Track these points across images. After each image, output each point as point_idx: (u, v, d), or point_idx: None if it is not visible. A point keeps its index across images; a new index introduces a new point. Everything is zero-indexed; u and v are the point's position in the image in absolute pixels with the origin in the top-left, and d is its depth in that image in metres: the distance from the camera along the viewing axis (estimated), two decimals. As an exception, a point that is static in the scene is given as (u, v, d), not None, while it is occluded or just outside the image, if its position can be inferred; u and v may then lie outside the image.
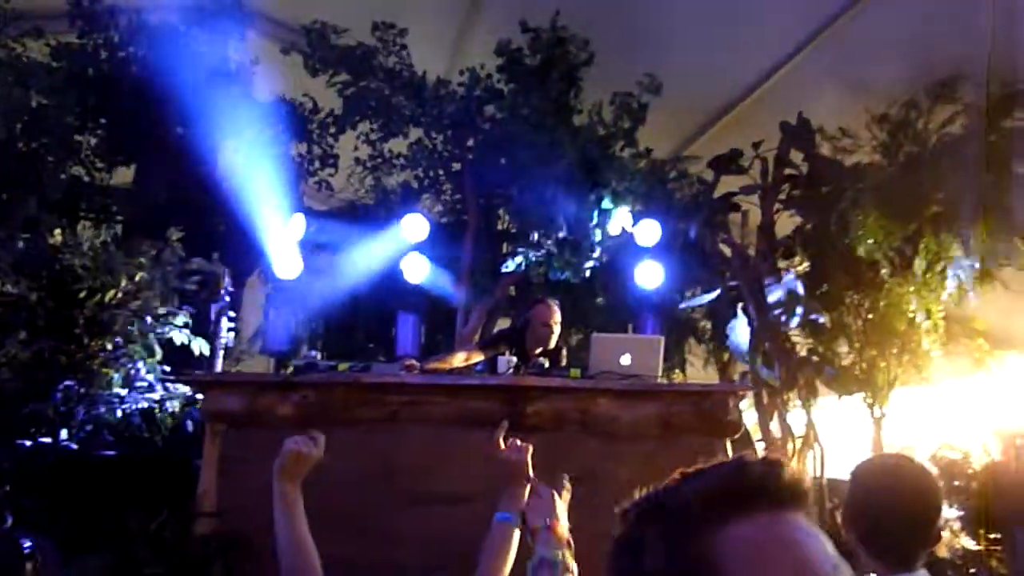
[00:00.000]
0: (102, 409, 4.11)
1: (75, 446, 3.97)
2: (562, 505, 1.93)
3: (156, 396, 4.36)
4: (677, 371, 7.40)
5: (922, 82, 6.14)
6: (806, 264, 6.59)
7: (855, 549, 1.64)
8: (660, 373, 4.36)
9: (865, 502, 1.73)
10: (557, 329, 4.95)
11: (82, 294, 4.31)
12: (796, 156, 6.66)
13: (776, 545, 0.73)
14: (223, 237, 6.67)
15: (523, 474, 1.99)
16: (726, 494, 0.75)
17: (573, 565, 1.75)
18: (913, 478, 1.73)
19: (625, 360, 4.27)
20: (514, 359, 4.63)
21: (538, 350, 4.90)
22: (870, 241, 5.98)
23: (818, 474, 6.01)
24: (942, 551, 5.34)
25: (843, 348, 6.45)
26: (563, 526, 1.85)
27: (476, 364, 4.88)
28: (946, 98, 6.13)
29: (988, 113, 5.75)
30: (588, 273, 6.74)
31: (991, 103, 5.74)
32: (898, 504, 1.67)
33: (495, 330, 6.37)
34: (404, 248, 6.77)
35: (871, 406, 6.44)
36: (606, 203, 6.46)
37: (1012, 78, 5.76)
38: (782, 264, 6.80)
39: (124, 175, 7.04)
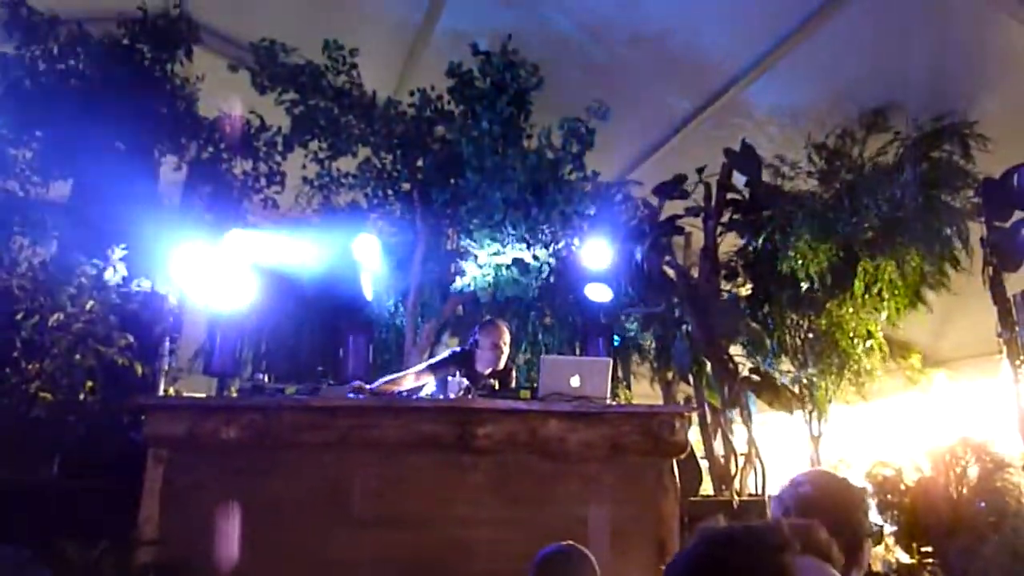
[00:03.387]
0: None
1: (8, 473, 3.82)
2: None
3: (95, 420, 4.23)
4: (624, 389, 7.51)
5: (856, 112, 6.42)
6: (748, 285, 6.79)
7: None
8: (608, 395, 4.43)
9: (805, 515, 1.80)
10: (506, 350, 5.00)
11: (19, 316, 4.17)
12: (738, 181, 6.87)
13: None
14: (165, 255, 6.52)
15: None
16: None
17: None
18: (845, 495, 1.82)
19: (575, 382, 4.33)
20: (464, 380, 4.64)
21: (488, 371, 4.93)
22: (800, 262, 6.20)
23: (760, 491, 6.17)
24: (876, 565, 5.53)
25: (784, 367, 6.65)
26: None
27: (424, 385, 4.89)
28: (879, 127, 6.41)
29: (918, 144, 6.03)
30: (536, 293, 6.80)
31: (921, 135, 6.03)
32: (833, 518, 1.74)
33: (444, 351, 6.37)
34: (352, 267, 6.73)
35: (810, 423, 6.64)
36: (554, 224, 6.54)
37: (941, 110, 6.06)
38: (725, 286, 6.98)
39: (61, 189, 6.83)
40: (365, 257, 6.64)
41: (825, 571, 1.12)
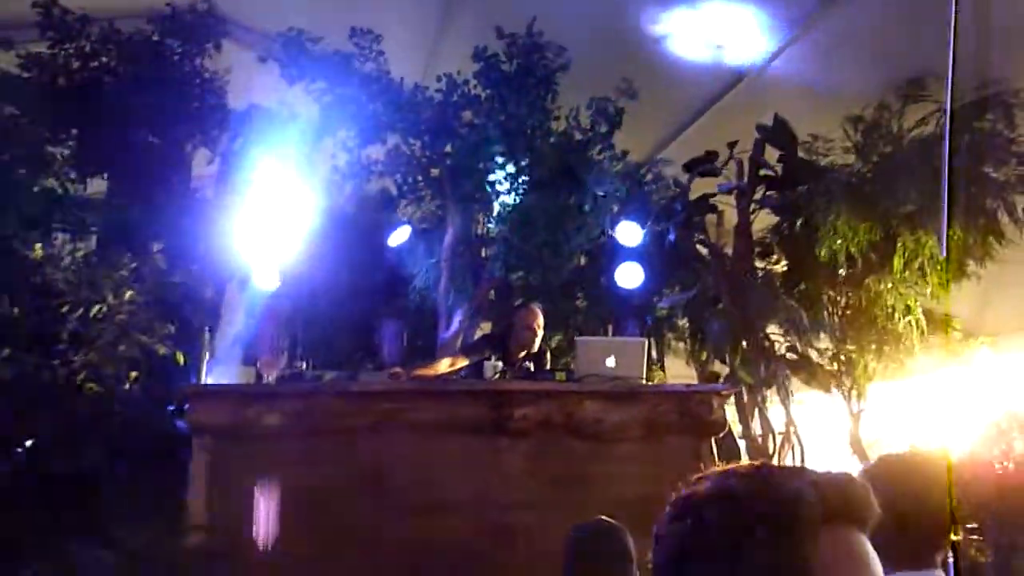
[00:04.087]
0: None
1: (61, 462, 3.92)
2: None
3: (141, 409, 4.32)
4: (659, 370, 7.47)
5: (893, 83, 6.27)
6: (784, 263, 6.70)
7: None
8: (644, 375, 4.42)
9: (886, 503, 1.75)
10: (540, 333, 5.00)
11: (64, 309, 4.27)
12: (771, 157, 6.76)
13: (857, 559, 0.82)
14: (202, 247, 6.62)
15: None
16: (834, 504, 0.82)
17: None
18: (933, 476, 1.76)
19: (610, 363, 4.33)
20: (499, 364, 4.66)
21: (522, 354, 4.94)
22: (839, 241, 6.10)
23: (799, 470, 6.10)
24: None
25: (822, 344, 6.56)
26: None
27: (461, 369, 4.91)
28: (917, 98, 6.26)
29: (958, 115, 5.87)
30: (569, 276, 6.79)
31: (963, 106, 5.88)
32: (921, 503, 1.70)
33: (478, 335, 6.40)
34: (385, 254, 6.78)
35: (849, 401, 6.56)
36: (585, 206, 6.52)
37: (982, 80, 5.89)
38: (759, 264, 6.90)
39: (98, 186, 6.95)
40: (397, 243, 6.67)
41: (853, 548, 0.82)
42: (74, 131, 6.67)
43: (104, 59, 6.91)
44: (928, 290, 6.11)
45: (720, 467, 0.89)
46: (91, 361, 4.16)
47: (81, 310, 4.23)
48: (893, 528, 1.69)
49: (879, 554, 0.83)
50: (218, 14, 7.33)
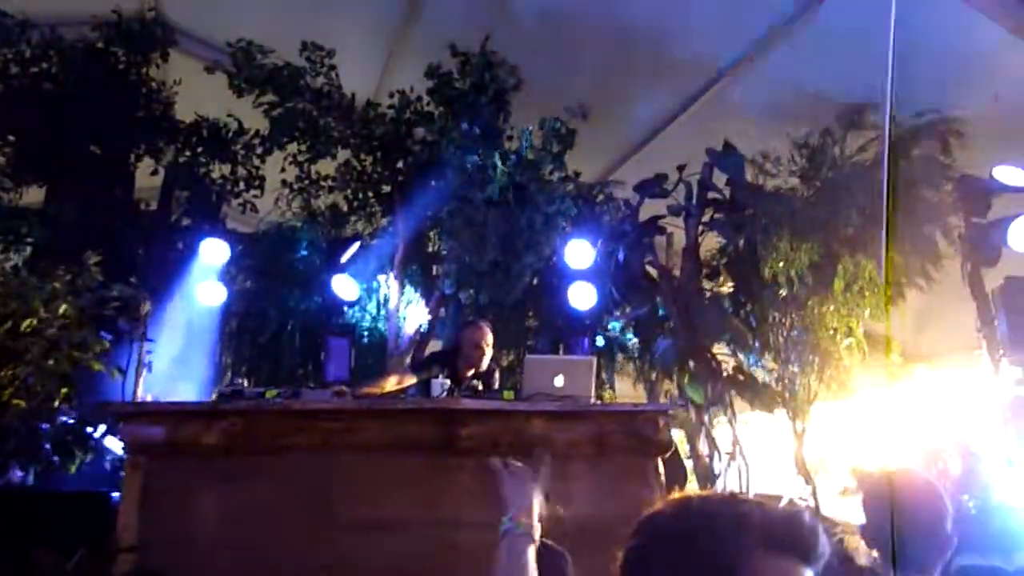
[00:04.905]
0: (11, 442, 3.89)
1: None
2: (537, 483, 1.83)
3: (71, 427, 4.15)
4: (608, 389, 7.49)
5: (835, 111, 6.45)
6: (730, 284, 6.80)
7: (875, 564, 1.70)
8: (593, 394, 4.41)
9: (883, 517, 1.79)
10: (489, 351, 4.96)
11: (-8, 321, 4.09)
12: (719, 180, 6.88)
13: None
14: (142, 261, 6.44)
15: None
16: (777, 532, 0.82)
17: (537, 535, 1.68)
18: (924, 490, 1.81)
19: (559, 381, 4.30)
20: (447, 382, 4.60)
21: (470, 372, 4.89)
22: (781, 263, 6.22)
23: (744, 489, 6.16)
24: (861, 559, 5.52)
25: (768, 364, 6.66)
26: (536, 504, 1.76)
27: (408, 388, 4.84)
28: (857, 126, 6.45)
29: (895, 143, 6.07)
30: (519, 295, 6.78)
31: (899, 133, 6.07)
32: (916, 516, 1.75)
33: (426, 353, 6.33)
34: (333, 271, 6.68)
35: (793, 420, 6.65)
36: (536, 225, 6.53)
37: (920, 108, 6.10)
38: (707, 285, 6.99)
39: (35, 195, 6.73)
40: (346, 259, 6.59)
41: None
42: (11, 137, 6.47)
43: (45, 65, 6.72)
44: (867, 312, 6.25)
45: (671, 495, 0.92)
46: (19, 376, 3.98)
47: (9, 323, 4.06)
48: (888, 541, 1.73)
49: (882, 565, 0.85)
50: (166, 23, 7.20)
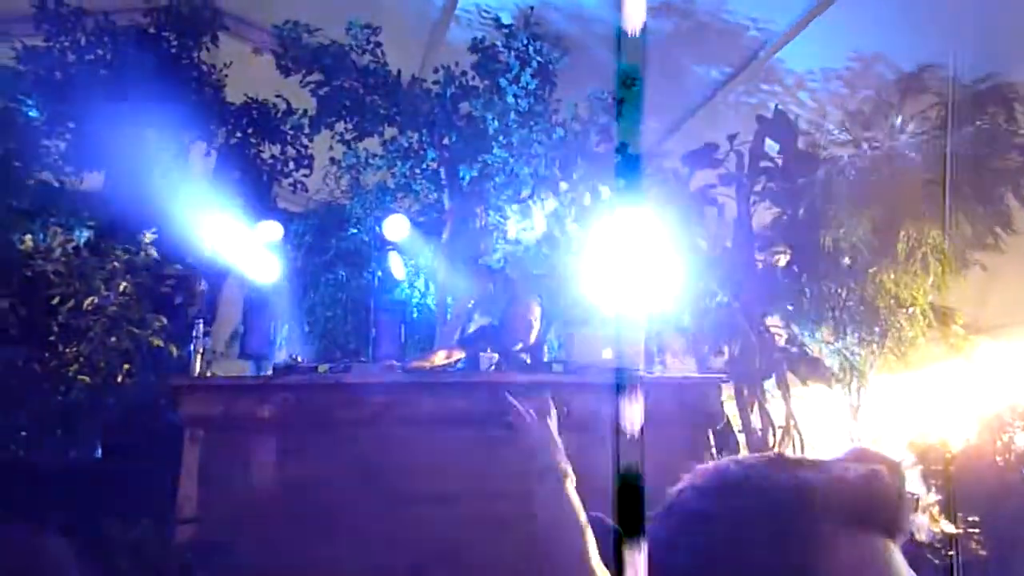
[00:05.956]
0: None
1: (51, 455, 3.90)
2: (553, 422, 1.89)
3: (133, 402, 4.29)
4: (658, 364, 7.42)
5: (892, 76, 6.22)
6: (786, 255, 6.65)
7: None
8: (642, 366, 4.37)
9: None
10: (537, 324, 4.96)
11: (55, 300, 4.23)
12: (771, 149, 6.71)
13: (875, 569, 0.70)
14: (197, 239, 6.59)
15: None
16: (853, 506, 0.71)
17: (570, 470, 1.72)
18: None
19: (607, 354, 4.28)
20: (495, 356, 4.62)
21: (518, 346, 4.90)
22: (841, 231, 6.06)
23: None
24: (921, 535, 5.41)
25: (824, 337, 6.51)
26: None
27: (457, 362, 4.87)
28: (917, 90, 6.22)
29: (960, 107, 5.84)
30: (567, 269, 6.74)
31: (964, 97, 5.83)
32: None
33: (475, 327, 6.35)
34: (383, 248, 6.74)
35: (850, 395, 6.51)
36: (584, 198, 6.47)
37: (984, 72, 5.85)
38: (759, 256, 6.85)
39: (94, 180, 6.93)
40: (395, 236, 6.63)
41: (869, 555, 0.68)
42: (70, 124, 6.65)
43: (100, 52, 6.87)
44: (930, 281, 6.05)
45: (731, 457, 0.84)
46: (83, 353, 4.13)
47: (72, 302, 4.20)
48: None
49: None
50: (215, 6, 7.29)
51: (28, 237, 4.52)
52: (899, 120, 6.27)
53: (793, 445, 6.26)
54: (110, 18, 6.96)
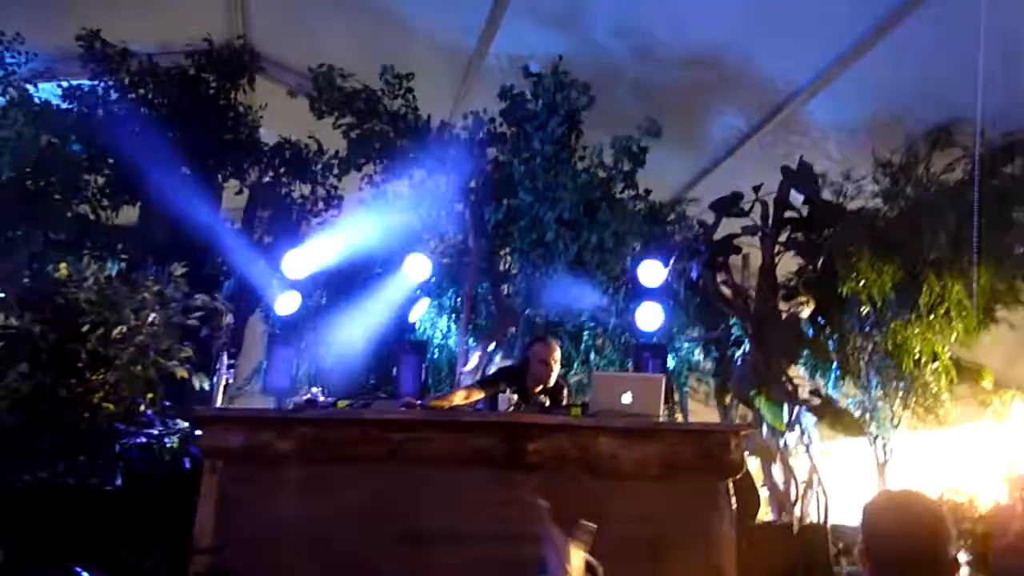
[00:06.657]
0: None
1: (72, 480, 3.94)
2: (577, 552, 1.92)
3: (155, 431, 4.35)
4: (678, 411, 7.36)
5: (917, 129, 6.24)
6: (809, 306, 6.60)
7: None
8: (661, 412, 4.34)
9: (873, 538, 1.72)
10: (557, 367, 4.95)
11: (85, 328, 4.33)
12: (796, 200, 6.72)
13: None
14: (225, 275, 6.71)
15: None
16: None
17: None
18: (919, 513, 1.73)
19: (626, 399, 4.25)
20: (514, 397, 4.61)
21: (538, 388, 4.89)
22: (861, 283, 6.02)
23: (822, 519, 5.93)
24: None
25: (848, 390, 6.43)
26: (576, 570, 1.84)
27: (476, 402, 4.86)
28: (944, 144, 6.22)
29: (986, 159, 5.82)
30: (588, 313, 6.76)
31: (991, 150, 5.83)
32: (905, 539, 1.67)
33: (495, 369, 6.36)
34: (407, 288, 6.80)
35: (875, 449, 6.39)
36: (607, 244, 6.51)
37: (1011, 124, 5.85)
38: (784, 306, 6.80)
39: (129, 214, 7.12)
40: (418, 277, 6.70)
41: None
42: (110, 160, 6.86)
43: (142, 91, 7.13)
44: (954, 336, 5.97)
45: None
46: (108, 380, 4.20)
47: (101, 330, 4.29)
48: (877, 562, 1.66)
49: None
50: (253, 50, 7.54)
51: (63, 265, 4.64)
52: (925, 171, 6.27)
53: (817, 500, 6.13)
54: (153, 59, 7.22)
